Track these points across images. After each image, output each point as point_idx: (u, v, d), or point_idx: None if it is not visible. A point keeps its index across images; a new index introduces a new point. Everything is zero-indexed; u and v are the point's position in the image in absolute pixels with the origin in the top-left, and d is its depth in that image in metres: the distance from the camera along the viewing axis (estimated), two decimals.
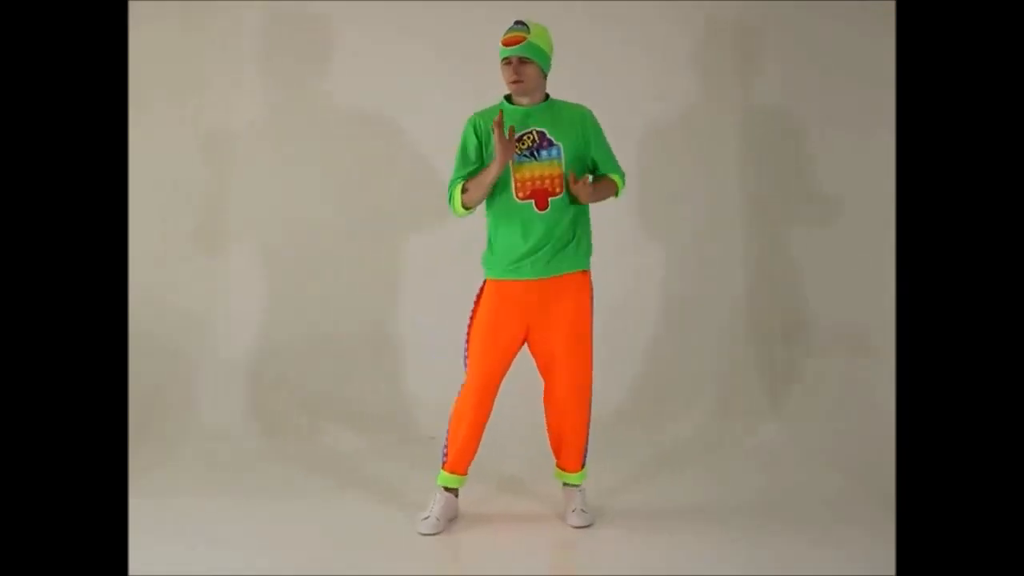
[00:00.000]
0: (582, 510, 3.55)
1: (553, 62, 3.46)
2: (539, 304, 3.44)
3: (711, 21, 4.72)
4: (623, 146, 3.57)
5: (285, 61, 4.76)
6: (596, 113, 3.51)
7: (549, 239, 3.40)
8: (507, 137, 3.33)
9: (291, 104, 4.78)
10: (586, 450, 3.61)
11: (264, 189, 4.79)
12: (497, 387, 3.50)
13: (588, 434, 3.59)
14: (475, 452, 3.55)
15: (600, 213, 3.58)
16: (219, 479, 4.04)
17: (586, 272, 3.50)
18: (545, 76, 3.43)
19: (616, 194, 3.59)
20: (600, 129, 3.51)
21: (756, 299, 4.75)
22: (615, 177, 3.55)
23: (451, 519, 3.55)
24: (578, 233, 3.46)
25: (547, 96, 3.47)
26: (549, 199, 3.39)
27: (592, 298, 3.51)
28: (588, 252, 3.51)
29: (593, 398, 3.55)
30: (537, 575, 3.19)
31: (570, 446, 3.58)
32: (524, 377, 3.60)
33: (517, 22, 3.38)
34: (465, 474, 3.58)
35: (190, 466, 4.18)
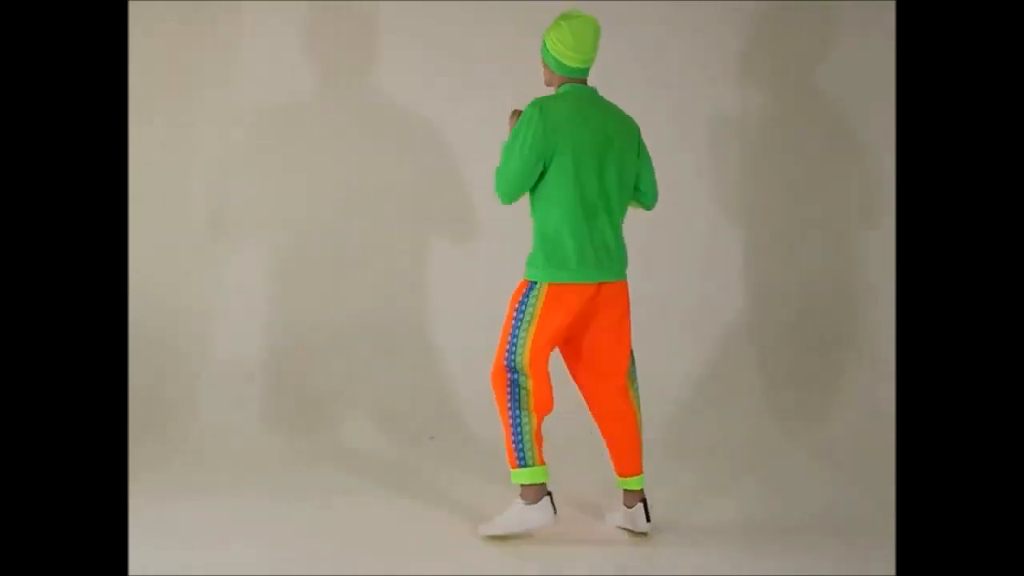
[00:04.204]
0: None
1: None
2: None
3: (711, 21, 4.71)
4: None
5: (284, 60, 4.76)
6: None
7: None
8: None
9: (288, 103, 4.78)
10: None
11: (264, 188, 4.79)
12: None
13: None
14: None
15: None
16: (219, 479, 4.03)
17: (526, 282, 3.35)
18: (556, 73, 3.37)
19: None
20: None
21: (756, 300, 4.75)
22: None
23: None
24: (534, 240, 3.37)
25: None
26: None
27: (515, 306, 3.33)
28: (531, 262, 3.36)
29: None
30: (534, 575, 3.19)
31: None
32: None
33: None
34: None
35: (190, 466, 4.17)
